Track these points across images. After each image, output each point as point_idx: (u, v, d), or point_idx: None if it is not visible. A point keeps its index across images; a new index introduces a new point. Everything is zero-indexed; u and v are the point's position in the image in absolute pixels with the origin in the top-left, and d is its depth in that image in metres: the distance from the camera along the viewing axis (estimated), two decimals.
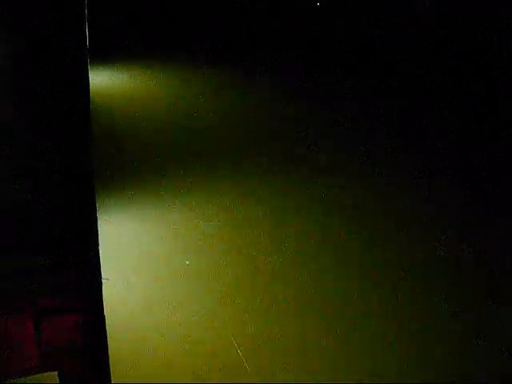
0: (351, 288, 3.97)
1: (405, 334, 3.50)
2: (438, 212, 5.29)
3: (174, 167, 5.96)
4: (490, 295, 3.97)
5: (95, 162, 2.05)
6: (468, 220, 5.13)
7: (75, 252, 2.04)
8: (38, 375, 2.38)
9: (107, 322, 2.31)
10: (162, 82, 9.49)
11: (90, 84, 1.96)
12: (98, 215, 2.24)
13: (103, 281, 2.41)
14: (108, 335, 2.35)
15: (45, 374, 2.39)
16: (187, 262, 4.21)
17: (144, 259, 4.20)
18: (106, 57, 10.73)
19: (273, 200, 5.34)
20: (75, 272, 2.15)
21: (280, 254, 4.33)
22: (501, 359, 3.38)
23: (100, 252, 2.05)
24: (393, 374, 3.16)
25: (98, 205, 2.20)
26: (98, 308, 2.33)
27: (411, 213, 5.23)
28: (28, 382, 2.38)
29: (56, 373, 2.34)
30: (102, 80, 9.14)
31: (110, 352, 2.43)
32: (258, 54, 11.97)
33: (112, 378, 2.55)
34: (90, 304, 2.26)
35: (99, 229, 2.02)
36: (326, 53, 12.08)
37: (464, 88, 9.54)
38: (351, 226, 4.86)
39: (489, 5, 13.09)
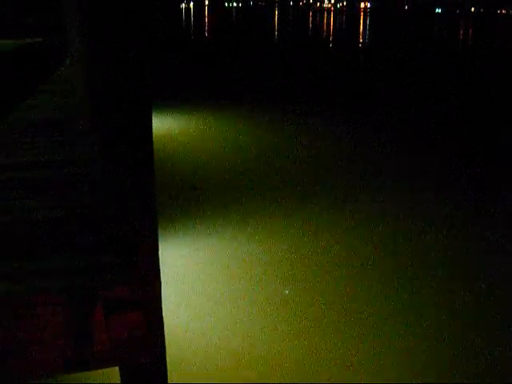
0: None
1: None
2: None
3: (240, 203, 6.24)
4: None
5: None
6: None
7: (137, 253, 2.29)
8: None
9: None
10: (229, 125, 10.03)
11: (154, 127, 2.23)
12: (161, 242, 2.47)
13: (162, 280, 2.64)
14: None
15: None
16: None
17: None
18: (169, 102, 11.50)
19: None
20: (138, 270, 2.39)
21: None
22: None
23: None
24: None
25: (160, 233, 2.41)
26: (158, 306, 2.55)
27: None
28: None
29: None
30: (164, 123, 9.76)
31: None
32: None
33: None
34: (150, 301, 2.48)
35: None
36: None
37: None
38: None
39: None
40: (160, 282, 2.59)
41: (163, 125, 9.82)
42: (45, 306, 2.18)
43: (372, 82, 15.28)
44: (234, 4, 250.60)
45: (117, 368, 2.68)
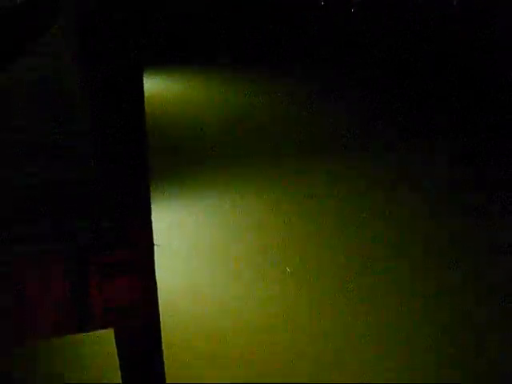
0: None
1: None
2: None
3: (235, 166, 6.20)
4: None
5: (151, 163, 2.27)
6: None
7: (130, 216, 2.29)
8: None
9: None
10: (215, 85, 9.91)
11: (145, 87, 2.19)
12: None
13: (155, 246, 2.65)
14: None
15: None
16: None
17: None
18: (161, 61, 11.31)
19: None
20: (131, 234, 2.39)
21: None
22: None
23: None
24: None
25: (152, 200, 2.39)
26: (152, 268, 2.57)
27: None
28: None
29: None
30: (156, 84, 9.58)
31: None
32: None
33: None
34: (144, 264, 2.49)
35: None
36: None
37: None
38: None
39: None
40: (153, 245, 2.60)
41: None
42: (39, 270, 2.19)
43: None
44: None
45: (112, 330, 2.71)
